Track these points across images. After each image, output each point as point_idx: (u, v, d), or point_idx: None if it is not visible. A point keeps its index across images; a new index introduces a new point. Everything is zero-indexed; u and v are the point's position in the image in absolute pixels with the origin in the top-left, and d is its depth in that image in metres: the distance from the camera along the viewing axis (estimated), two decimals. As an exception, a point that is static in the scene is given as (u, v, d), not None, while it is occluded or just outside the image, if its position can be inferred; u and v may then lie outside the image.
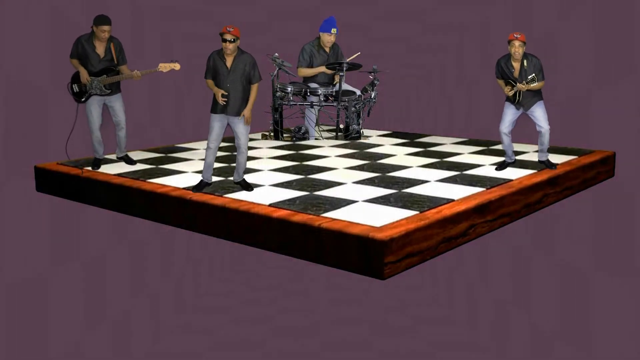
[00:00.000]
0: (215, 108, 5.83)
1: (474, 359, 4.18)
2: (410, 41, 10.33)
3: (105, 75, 6.86)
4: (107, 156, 7.34)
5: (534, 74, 6.25)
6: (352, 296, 5.05)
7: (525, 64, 6.32)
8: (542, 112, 6.51)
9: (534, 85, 6.30)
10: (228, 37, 5.67)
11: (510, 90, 6.38)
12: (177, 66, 6.75)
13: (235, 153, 6.02)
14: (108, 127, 7.14)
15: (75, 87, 6.88)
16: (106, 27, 6.75)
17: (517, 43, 6.24)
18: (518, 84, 6.31)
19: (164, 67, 6.75)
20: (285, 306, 4.94)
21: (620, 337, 4.28)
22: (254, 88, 5.88)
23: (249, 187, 6.01)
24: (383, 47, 10.41)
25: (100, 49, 6.85)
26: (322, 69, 8.85)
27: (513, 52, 6.28)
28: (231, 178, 6.29)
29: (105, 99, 6.93)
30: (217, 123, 5.84)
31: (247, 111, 5.83)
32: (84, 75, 6.80)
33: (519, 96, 6.40)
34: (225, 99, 5.76)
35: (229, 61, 5.78)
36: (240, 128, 5.86)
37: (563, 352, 4.16)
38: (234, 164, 6.16)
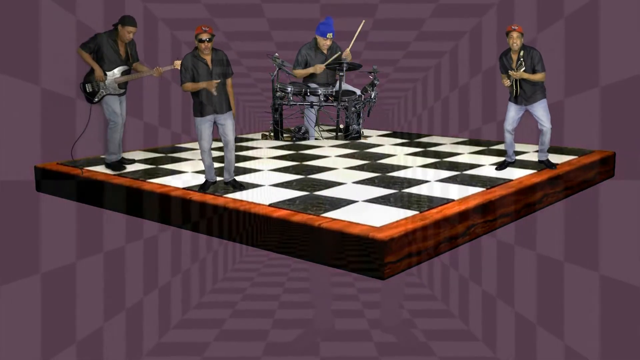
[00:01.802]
0: (201, 111, 5.83)
1: (471, 356, 4.18)
2: (409, 44, 10.34)
3: (119, 75, 6.82)
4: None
5: (522, 60, 6.30)
6: (352, 296, 5.05)
7: (522, 54, 6.37)
8: (544, 111, 6.55)
9: (526, 73, 6.32)
10: (205, 36, 5.72)
11: (508, 80, 6.44)
12: None
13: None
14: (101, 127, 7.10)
15: (89, 87, 6.79)
16: (133, 29, 6.74)
17: (514, 34, 6.33)
18: (510, 71, 6.40)
19: (178, 64, 6.73)
20: (285, 306, 4.94)
21: (613, 330, 4.27)
22: (230, 83, 5.94)
23: (241, 186, 6.01)
24: (383, 47, 10.37)
25: (122, 49, 6.82)
26: (316, 68, 8.79)
27: (511, 44, 6.37)
28: (236, 178, 6.28)
29: (120, 97, 6.92)
30: (205, 124, 5.85)
31: (233, 108, 5.96)
32: (100, 73, 6.72)
33: (516, 88, 6.44)
34: (213, 94, 5.77)
35: (208, 61, 5.81)
36: (229, 125, 5.90)
37: (566, 356, 4.16)
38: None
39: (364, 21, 8.83)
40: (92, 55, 6.76)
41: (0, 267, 5.33)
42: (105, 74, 6.76)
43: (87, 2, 8.14)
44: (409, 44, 10.14)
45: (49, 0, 7.82)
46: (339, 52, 8.89)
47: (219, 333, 4.52)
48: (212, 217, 5.68)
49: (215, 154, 7.17)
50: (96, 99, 6.81)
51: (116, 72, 6.79)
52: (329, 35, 8.73)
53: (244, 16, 9.47)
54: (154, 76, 6.92)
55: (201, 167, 6.91)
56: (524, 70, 6.35)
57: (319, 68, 8.78)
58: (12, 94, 7.55)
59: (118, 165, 6.92)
